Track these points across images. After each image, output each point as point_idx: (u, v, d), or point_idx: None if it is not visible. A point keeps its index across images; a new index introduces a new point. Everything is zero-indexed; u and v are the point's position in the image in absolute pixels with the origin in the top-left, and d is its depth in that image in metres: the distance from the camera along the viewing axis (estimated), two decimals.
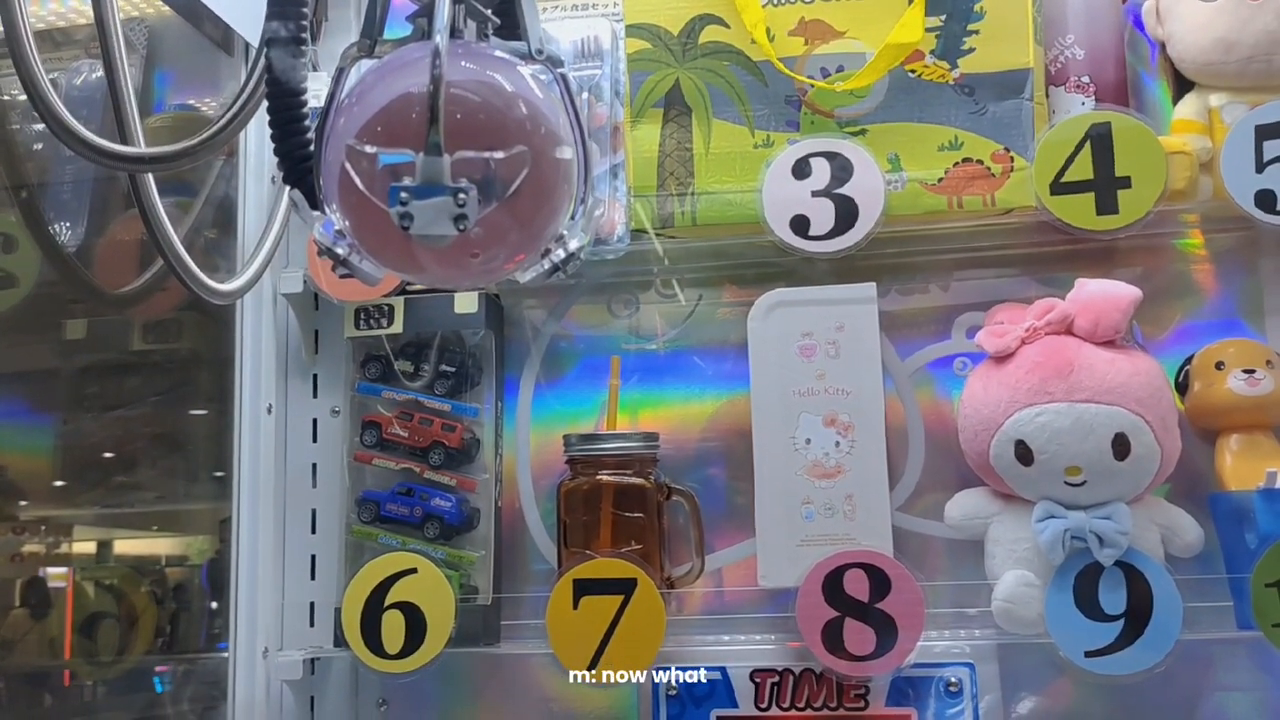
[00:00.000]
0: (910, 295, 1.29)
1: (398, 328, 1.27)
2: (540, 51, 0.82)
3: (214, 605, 1.45)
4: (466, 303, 1.27)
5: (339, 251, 0.81)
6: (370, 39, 0.84)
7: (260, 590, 1.26)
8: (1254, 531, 1.11)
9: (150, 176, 1.01)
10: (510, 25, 0.85)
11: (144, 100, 1.39)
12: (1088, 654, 1.09)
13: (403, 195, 0.72)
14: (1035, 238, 1.23)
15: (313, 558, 1.32)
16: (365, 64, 0.84)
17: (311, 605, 1.31)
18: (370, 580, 1.20)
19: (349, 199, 0.77)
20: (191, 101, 1.42)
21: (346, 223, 0.80)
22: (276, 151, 0.86)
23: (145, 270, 1.28)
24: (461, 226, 0.73)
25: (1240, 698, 1.18)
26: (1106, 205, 1.14)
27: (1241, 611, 1.10)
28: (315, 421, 1.34)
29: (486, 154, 0.74)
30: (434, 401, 1.27)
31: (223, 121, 1.01)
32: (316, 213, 0.82)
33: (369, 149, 0.75)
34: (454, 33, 0.80)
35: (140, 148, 0.98)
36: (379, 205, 0.74)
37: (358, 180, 0.75)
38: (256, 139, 1.31)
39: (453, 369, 1.28)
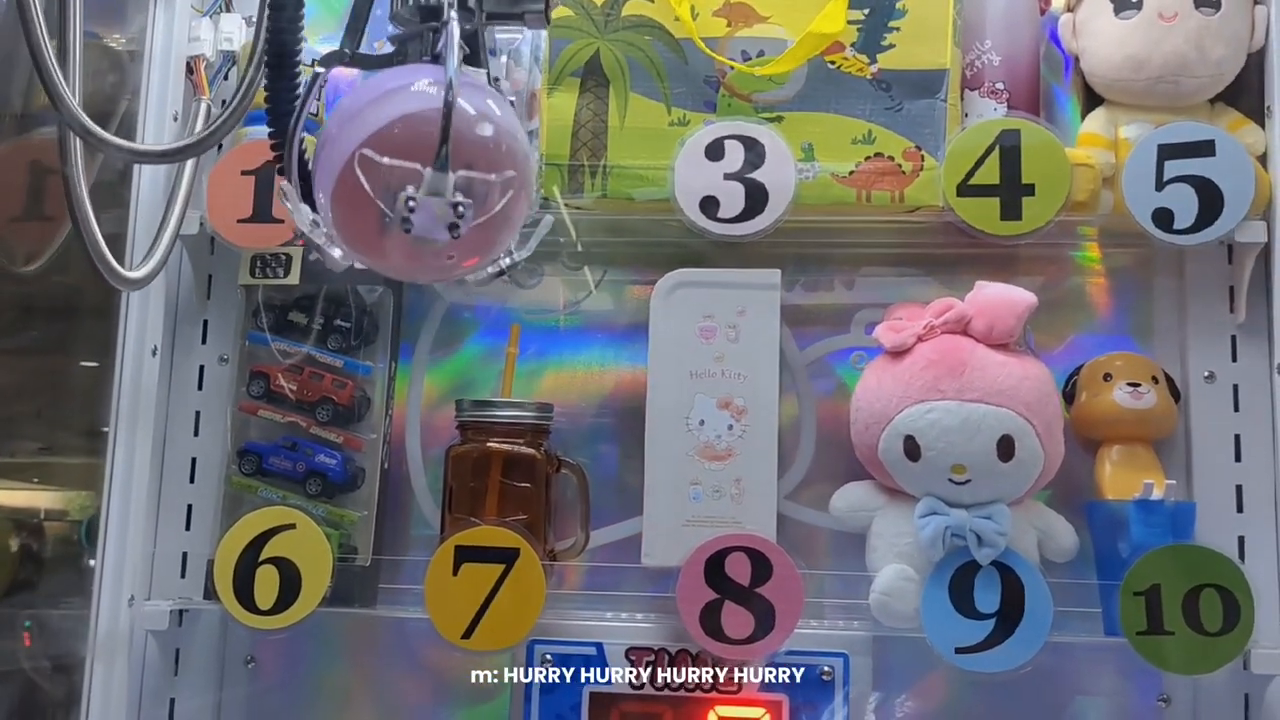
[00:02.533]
0: (812, 287, 1.30)
1: (294, 278, 1.24)
2: (497, 80, 0.91)
3: (90, 563, 1.41)
4: None
5: (317, 239, 0.89)
6: (351, 50, 0.93)
7: (130, 537, 1.22)
8: (1127, 541, 1.13)
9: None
10: (473, 54, 0.92)
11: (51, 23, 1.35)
12: (958, 650, 1.11)
13: (410, 203, 0.81)
14: (939, 239, 1.25)
15: (189, 507, 1.29)
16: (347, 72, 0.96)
17: (184, 556, 1.28)
18: (246, 533, 1.17)
19: (348, 196, 0.84)
20: (96, 30, 1.37)
21: (332, 214, 0.86)
22: (275, 145, 0.92)
23: (35, 204, 1.24)
24: (455, 234, 0.83)
25: (1103, 702, 1.21)
26: (1010, 211, 1.15)
27: (1109, 618, 1.13)
28: (202, 368, 1.31)
29: (485, 175, 0.84)
30: (326, 356, 1.24)
31: (226, 114, 1.01)
32: (305, 205, 0.89)
33: (385, 160, 0.82)
34: (435, 58, 0.89)
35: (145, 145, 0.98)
36: (377, 206, 0.83)
37: (365, 183, 0.83)
38: (158, 100, 1.27)
39: (347, 325, 1.25)
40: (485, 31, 0.94)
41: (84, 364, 1.42)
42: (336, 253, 0.89)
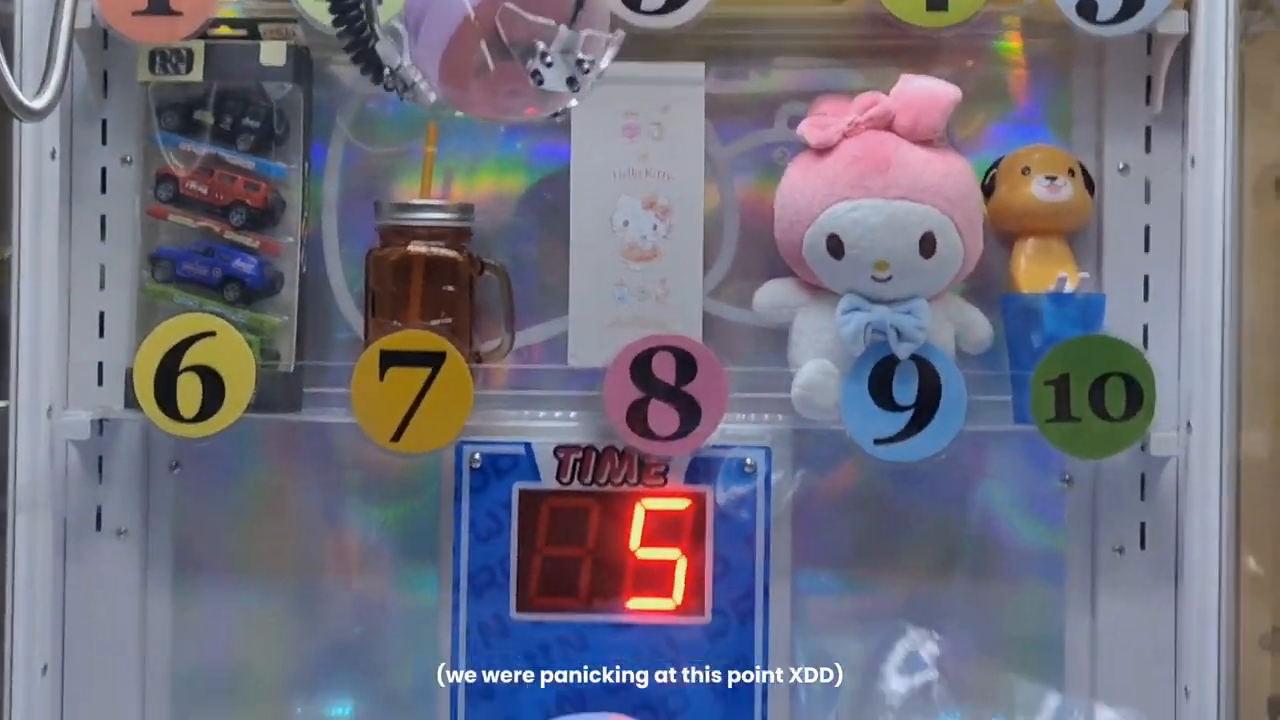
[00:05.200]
0: (734, 80, 1.27)
1: (197, 75, 1.19)
2: None
3: None
4: (273, 54, 1.19)
5: (412, 77, 0.96)
6: None
7: (43, 347, 1.20)
8: (1040, 332, 1.17)
9: None
10: None
11: None
12: (877, 441, 1.15)
13: (546, 58, 0.90)
14: (864, 29, 1.22)
15: (101, 315, 1.25)
16: None
17: (100, 364, 1.25)
18: (165, 341, 1.15)
19: (465, 44, 0.91)
20: None
21: (442, 58, 0.92)
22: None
23: None
24: (575, 88, 0.92)
25: (1010, 484, 1.27)
26: (936, 1, 1.14)
27: (1019, 406, 1.17)
28: (104, 170, 1.26)
29: (601, 34, 0.93)
30: (236, 158, 1.20)
31: None
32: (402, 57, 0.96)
33: (529, 16, 0.89)
34: None
35: None
36: (482, 55, 0.91)
37: (504, 35, 0.90)
38: None
39: (256, 124, 1.20)
40: None
41: None
42: (423, 87, 0.97)
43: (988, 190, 1.23)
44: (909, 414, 1.14)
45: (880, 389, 1.15)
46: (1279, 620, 1.40)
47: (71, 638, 1.25)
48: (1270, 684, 1.40)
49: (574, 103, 0.97)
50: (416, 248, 1.18)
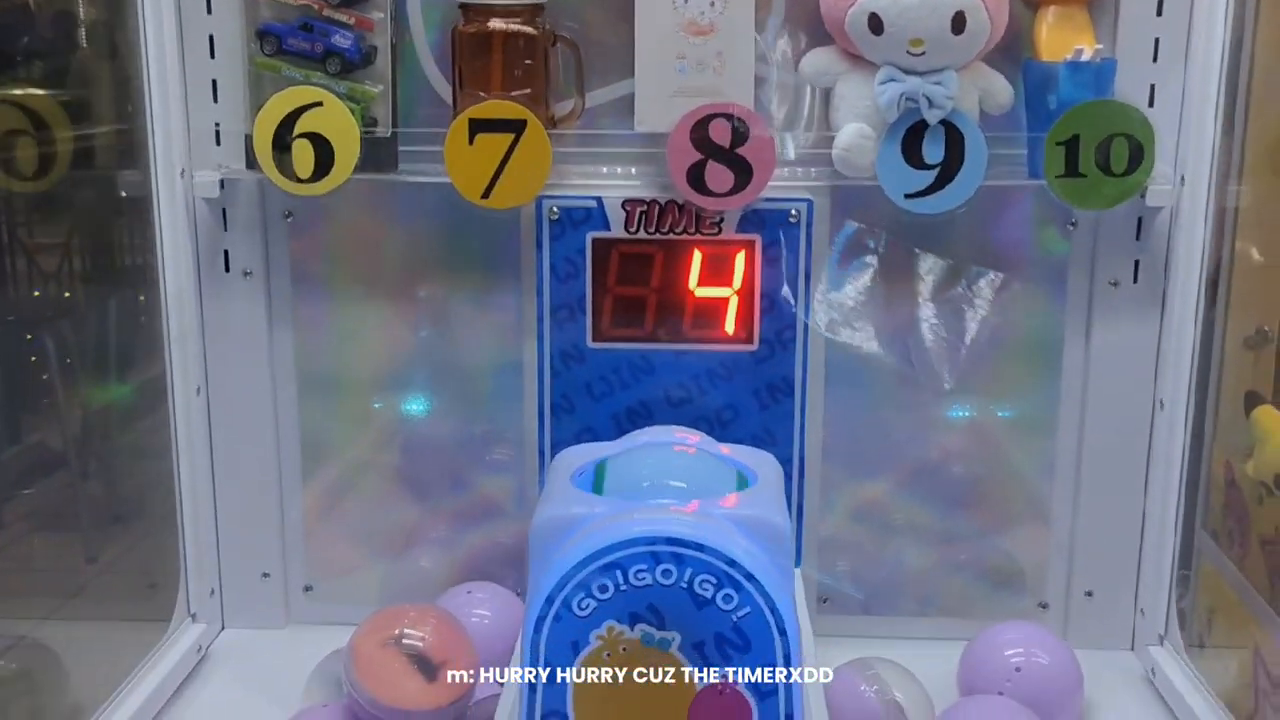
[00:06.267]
0: None
1: None
2: None
3: None
4: None
5: None
6: None
7: (172, 115, 1.35)
8: (1055, 95, 1.30)
9: None
10: None
11: None
12: (907, 195, 1.31)
13: None
14: None
15: (214, 82, 1.39)
16: None
17: (217, 126, 1.40)
18: (278, 111, 1.31)
19: None
20: None
21: None
22: None
23: None
24: None
25: (1024, 228, 1.43)
26: None
27: (1033, 163, 1.32)
28: None
29: None
30: None
31: None
32: None
33: None
34: None
35: None
36: None
37: None
38: None
39: None
40: None
41: None
42: None
43: None
44: (936, 171, 1.30)
45: (911, 150, 1.29)
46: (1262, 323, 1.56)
47: (214, 362, 1.47)
48: (1251, 379, 1.58)
49: None
50: (496, 25, 1.31)
